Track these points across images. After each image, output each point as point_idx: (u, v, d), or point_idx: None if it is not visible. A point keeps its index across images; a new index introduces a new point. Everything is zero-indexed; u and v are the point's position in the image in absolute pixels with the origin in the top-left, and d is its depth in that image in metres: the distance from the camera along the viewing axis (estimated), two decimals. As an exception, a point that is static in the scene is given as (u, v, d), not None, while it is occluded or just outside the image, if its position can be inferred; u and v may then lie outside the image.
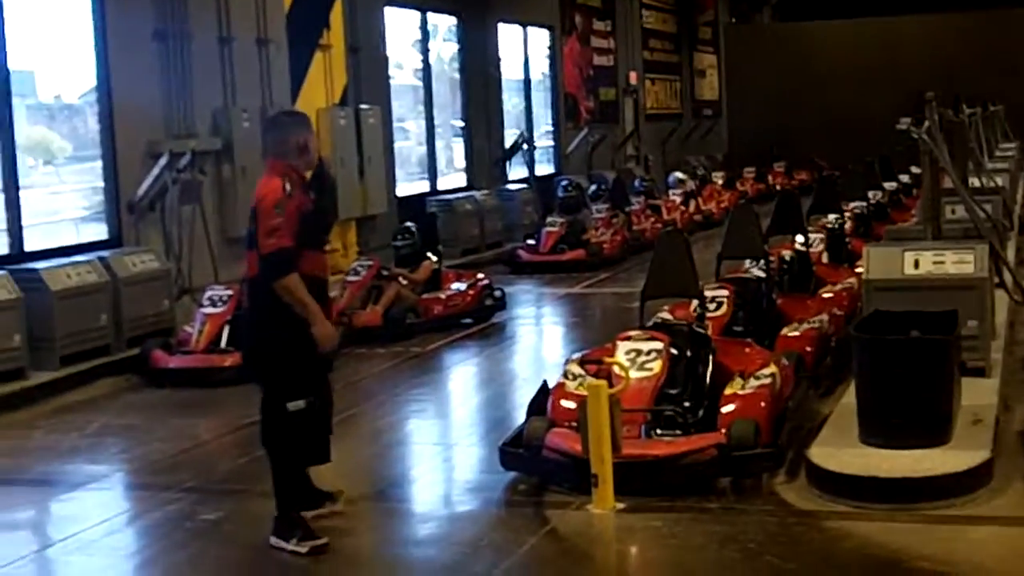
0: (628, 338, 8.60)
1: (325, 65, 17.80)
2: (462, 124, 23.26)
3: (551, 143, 27.27)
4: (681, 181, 25.91)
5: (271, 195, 7.01)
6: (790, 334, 10.30)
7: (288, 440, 7.22)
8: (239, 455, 9.32)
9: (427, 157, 22.03)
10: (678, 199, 24.73)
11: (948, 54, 32.84)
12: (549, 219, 19.97)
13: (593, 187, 22.50)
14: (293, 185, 7.08)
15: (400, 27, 21.12)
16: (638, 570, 7.32)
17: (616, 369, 8.17)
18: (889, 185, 19.33)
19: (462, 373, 12.84)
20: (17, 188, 13.00)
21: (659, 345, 8.45)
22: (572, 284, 17.74)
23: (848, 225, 15.17)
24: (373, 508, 8.22)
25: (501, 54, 24.42)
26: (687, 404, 8.31)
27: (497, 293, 15.03)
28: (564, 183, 21.41)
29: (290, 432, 7.20)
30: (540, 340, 15.06)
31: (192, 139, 14.53)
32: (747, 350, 9.33)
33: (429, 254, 14.90)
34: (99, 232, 14.12)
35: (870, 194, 17.61)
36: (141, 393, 11.79)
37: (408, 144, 22.55)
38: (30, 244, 13.08)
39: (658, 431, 8.09)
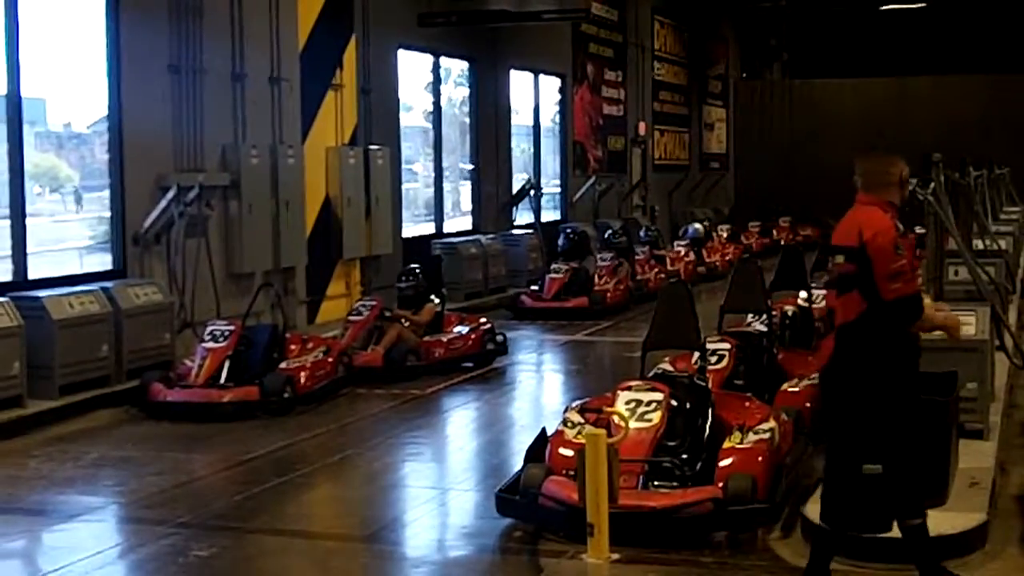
0: (628, 388, 8.60)
1: (336, 105, 17.87)
2: (470, 168, 23.31)
3: (558, 190, 27.33)
4: (698, 231, 25.98)
5: (887, 233, 6.33)
6: (790, 390, 10.29)
7: (853, 503, 6.57)
8: (235, 492, 9.30)
9: (434, 199, 22.09)
10: (682, 250, 24.76)
11: (956, 116, 32.98)
12: (554, 266, 20.00)
13: (609, 232, 22.49)
14: (897, 221, 6.46)
15: (412, 70, 21.21)
16: (630, 622, 7.30)
17: (615, 419, 8.15)
18: (894, 244, 19.32)
19: (461, 417, 12.82)
20: (23, 215, 13.02)
21: (659, 396, 8.45)
22: (574, 331, 17.73)
23: (852, 283, 15.16)
24: (366, 551, 8.19)
25: (512, 100, 24.52)
26: (685, 456, 8.29)
27: (499, 338, 15.03)
28: (567, 230, 21.44)
29: (858, 496, 6.54)
30: (540, 387, 15.05)
31: (200, 173, 14.58)
32: (747, 404, 9.32)
33: (432, 296, 14.90)
34: (103, 262, 14.14)
35: (875, 252, 17.59)
36: (139, 425, 11.77)
37: (415, 186, 22.62)
38: (34, 272, 13.10)
39: (655, 482, 8.07)
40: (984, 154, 17.93)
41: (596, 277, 20.00)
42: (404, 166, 20.88)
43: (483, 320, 15.34)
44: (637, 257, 22.01)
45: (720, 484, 7.88)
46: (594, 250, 21.30)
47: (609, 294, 19.63)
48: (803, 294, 12.77)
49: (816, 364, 11.13)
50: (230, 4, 15.39)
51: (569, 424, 8.59)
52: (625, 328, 17.92)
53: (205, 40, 14.83)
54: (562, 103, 27.21)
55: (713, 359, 10.12)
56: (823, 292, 13.79)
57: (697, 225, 26.77)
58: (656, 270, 22.25)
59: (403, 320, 14.37)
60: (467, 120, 23.48)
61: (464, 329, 14.86)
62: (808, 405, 10.06)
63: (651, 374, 9.42)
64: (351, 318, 14.53)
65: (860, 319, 6.37)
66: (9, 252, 12.96)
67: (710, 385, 9.27)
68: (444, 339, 14.55)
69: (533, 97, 26.12)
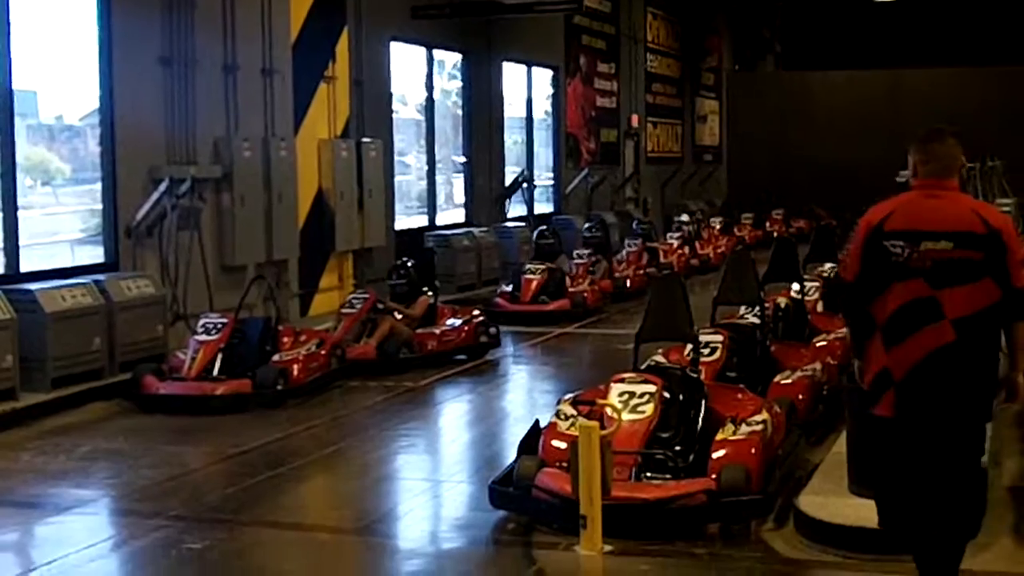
0: (621, 380, 8.59)
1: (329, 97, 17.85)
2: (463, 160, 23.28)
3: (551, 182, 27.32)
4: (684, 223, 25.97)
5: (1010, 222, 6.06)
6: (783, 382, 10.28)
7: (980, 501, 6.45)
8: (227, 484, 9.30)
9: (427, 192, 22.07)
10: (675, 243, 24.72)
11: (949, 108, 32.87)
12: (528, 266, 18.84)
13: (586, 226, 22.14)
14: None
15: (405, 62, 21.17)
16: (623, 613, 7.30)
17: (608, 411, 8.16)
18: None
19: (454, 409, 12.82)
20: (15, 208, 12.99)
21: (652, 388, 8.44)
22: (565, 324, 17.70)
23: (844, 275, 15.16)
24: (359, 543, 8.19)
25: (505, 92, 24.49)
26: (678, 448, 8.30)
27: (492, 330, 15.02)
28: (542, 228, 20.64)
29: (981, 492, 6.49)
30: (533, 379, 15.02)
31: (193, 166, 14.56)
32: (740, 396, 9.31)
33: (425, 289, 14.90)
34: (96, 255, 14.11)
35: (867, 244, 17.60)
36: (131, 418, 11.75)
37: (408, 178, 22.58)
38: (26, 265, 13.07)
39: (648, 474, 8.08)
40: (978, 147, 17.90)
41: (572, 277, 19.11)
42: (397, 158, 20.85)
43: (476, 312, 15.32)
44: (630, 250, 21.96)
45: (713, 476, 7.89)
46: (565, 248, 20.62)
47: (587, 295, 18.60)
48: (796, 286, 12.77)
49: (808, 356, 11.20)
50: (222, -4, 15.38)
51: (562, 416, 8.59)
52: (618, 320, 17.91)
53: (197, 32, 14.78)
54: (555, 95, 27.19)
55: (706, 351, 10.11)
56: (815, 284, 13.92)
57: (684, 216, 26.74)
58: (636, 266, 21.50)
59: (396, 313, 14.37)
60: (460, 112, 23.44)
61: (457, 322, 14.85)
62: (801, 397, 10.08)
63: (644, 366, 9.41)
64: (344, 311, 14.52)
65: (993, 308, 6.00)
66: (1, 245, 12.93)
67: (703, 377, 9.27)
68: (437, 332, 14.54)
69: (526, 89, 26.10)
